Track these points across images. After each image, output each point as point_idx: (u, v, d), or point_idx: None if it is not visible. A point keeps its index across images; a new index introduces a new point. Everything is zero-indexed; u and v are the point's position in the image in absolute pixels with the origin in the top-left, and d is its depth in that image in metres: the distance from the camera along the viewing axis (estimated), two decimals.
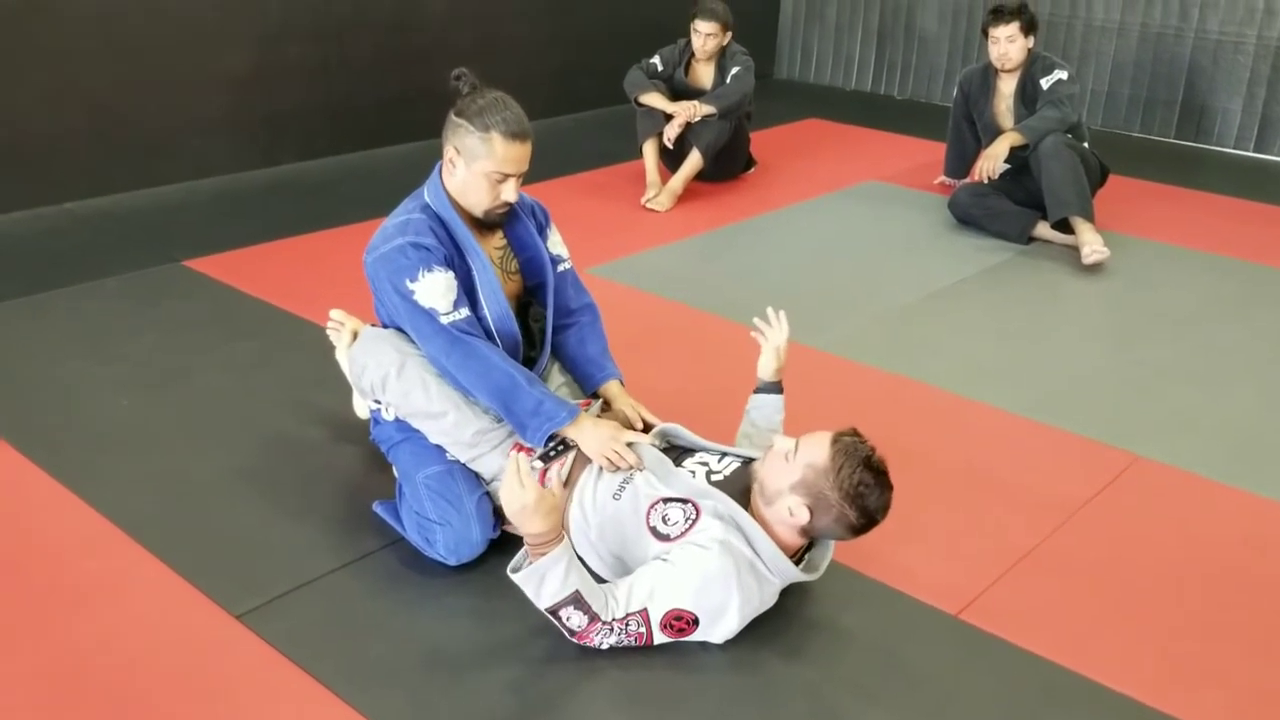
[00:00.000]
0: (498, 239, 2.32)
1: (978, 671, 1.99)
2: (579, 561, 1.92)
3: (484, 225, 2.25)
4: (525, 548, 1.88)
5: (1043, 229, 4.23)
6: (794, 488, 1.94)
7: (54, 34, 4.10)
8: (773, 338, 2.40)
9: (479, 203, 2.19)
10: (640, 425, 2.30)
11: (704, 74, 4.70)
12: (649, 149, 4.65)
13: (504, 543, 2.22)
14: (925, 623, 2.11)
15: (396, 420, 2.27)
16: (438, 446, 2.22)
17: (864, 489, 1.91)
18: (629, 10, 6.12)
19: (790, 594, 2.18)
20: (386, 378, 2.19)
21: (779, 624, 2.10)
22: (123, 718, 1.80)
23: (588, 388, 2.42)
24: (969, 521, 2.45)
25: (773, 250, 4.16)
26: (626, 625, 1.91)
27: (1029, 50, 4.26)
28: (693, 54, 4.69)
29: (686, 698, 1.89)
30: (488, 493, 2.21)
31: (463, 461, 2.21)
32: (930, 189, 4.89)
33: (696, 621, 1.92)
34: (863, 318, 3.55)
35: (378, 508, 2.30)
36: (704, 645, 2.01)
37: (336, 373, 2.75)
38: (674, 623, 1.92)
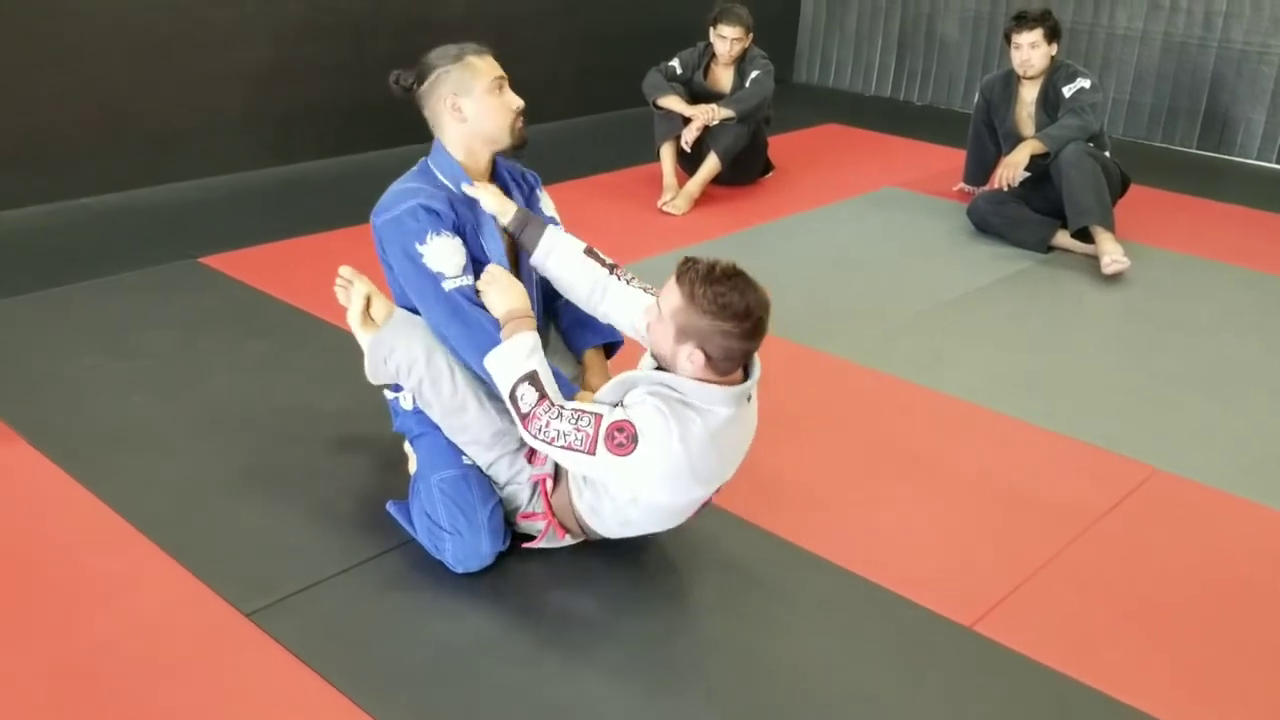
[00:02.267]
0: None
1: (991, 684, 1.97)
2: (544, 358, 2.07)
3: (513, 147, 2.28)
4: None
5: (1062, 238, 4.20)
6: (676, 339, 1.95)
7: (72, 31, 4.11)
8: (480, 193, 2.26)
9: (500, 123, 2.24)
10: None
11: (723, 77, 4.69)
12: (666, 152, 4.64)
13: (512, 547, 2.21)
14: (938, 634, 2.09)
15: (415, 411, 2.26)
16: (455, 448, 2.21)
17: (722, 299, 1.90)
18: (646, 13, 6.11)
19: (801, 601, 2.16)
20: (415, 362, 2.18)
21: (789, 628, 2.09)
22: (131, 714, 1.80)
23: (576, 350, 2.44)
24: (984, 532, 2.42)
25: (789, 255, 4.14)
26: (579, 419, 1.96)
27: (1052, 58, 4.23)
28: (712, 57, 4.68)
29: (696, 704, 1.88)
30: (500, 501, 2.19)
31: (480, 465, 2.20)
32: (949, 196, 4.86)
33: (636, 440, 1.92)
34: (879, 324, 3.52)
35: (391, 508, 2.29)
36: (714, 651, 1.99)
37: (350, 372, 2.74)
38: (615, 434, 1.93)
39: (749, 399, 2.05)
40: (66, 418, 2.69)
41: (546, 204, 2.47)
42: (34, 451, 2.53)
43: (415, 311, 2.25)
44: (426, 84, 2.25)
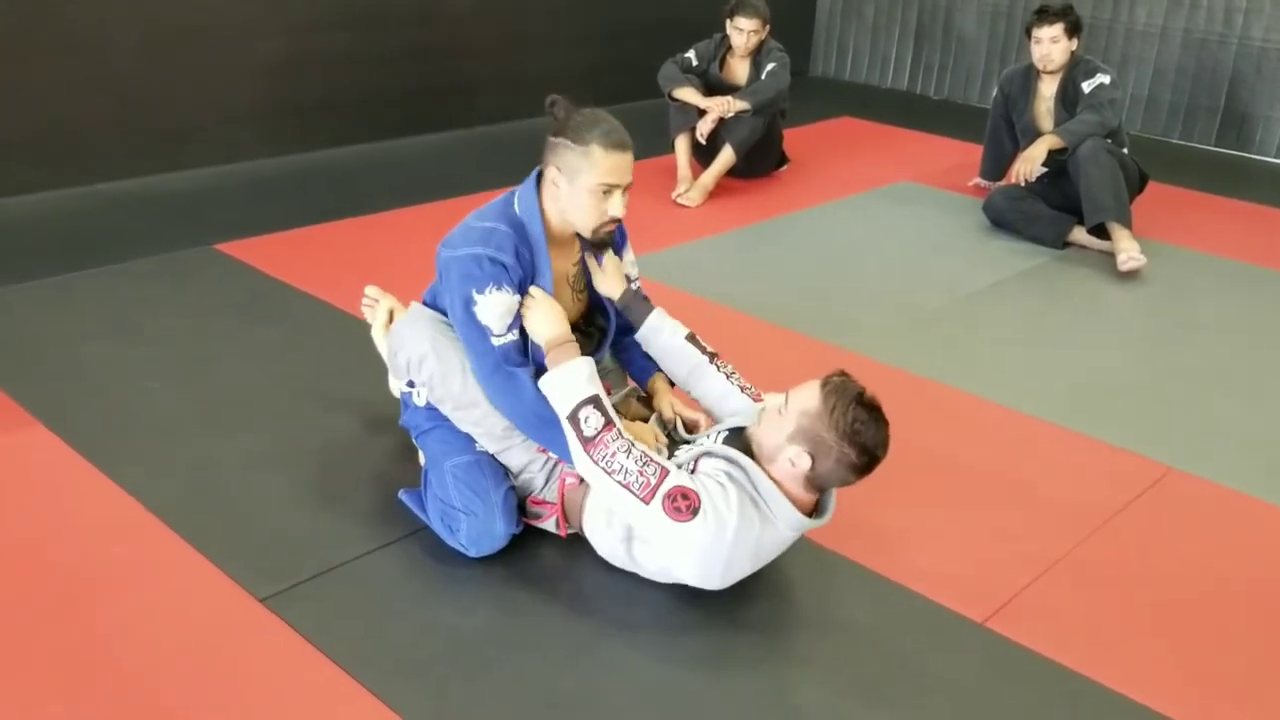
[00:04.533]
0: (574, 256, 2.31)
1: (1002, 680, 1.97)
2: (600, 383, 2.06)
3: (592, 243, 2.23)
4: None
5: (1079, 234, 4.18)
6: (791, 438, 1.95)
7: (90, 20, 4.12)
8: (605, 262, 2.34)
9: (586, 222, 2.16)
10: (680, 423, 2.32)
11: (739, 70, 4.68)
12: (681, 144, 4.63)
13: (526, 537, 2.22)
14: (950, 629, 2.08)
15: (427, 406, 2.26)
16: (467, 436, 2.21)
17: (859, 425, 1.91)
18: (662, 5, 6.09)
19: (813, 596, 2.17)
20: (425, 357, 2.18)
21: (801, 625, 2.09)
22: (145, 698, 1.81)
23: (639, 377, 2.44)
24: (997, 528, 2.42)
25: (803, 249, 4.13)
26: (645, 465, 1.94)
27: (1072, 53, 4.20)
28: (728, 49, 4.67)
29: (706, 696, 1.88)
30: (513, 486, 2.20)
31: (491, 453, 2.20)
32: (965, 191, 4.84)
33: (696, 512, 1.92)
34: (893, 319, 3.51)
35: (403, 496, 2.30)
36: (725, 645, 2.00)
37: (364, 359, 2.75)
38: (679, 498, 1.93)
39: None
40: (82, 403, 2.71)
41: (629, 259, 2.42)
42: (50, 435, 2.54)
43: (440, 311, 2.25)
44: (552, 137, 2.16)
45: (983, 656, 2.02)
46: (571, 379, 2.03)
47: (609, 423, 1.98)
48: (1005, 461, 2.70)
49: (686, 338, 2.31)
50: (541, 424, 2.09)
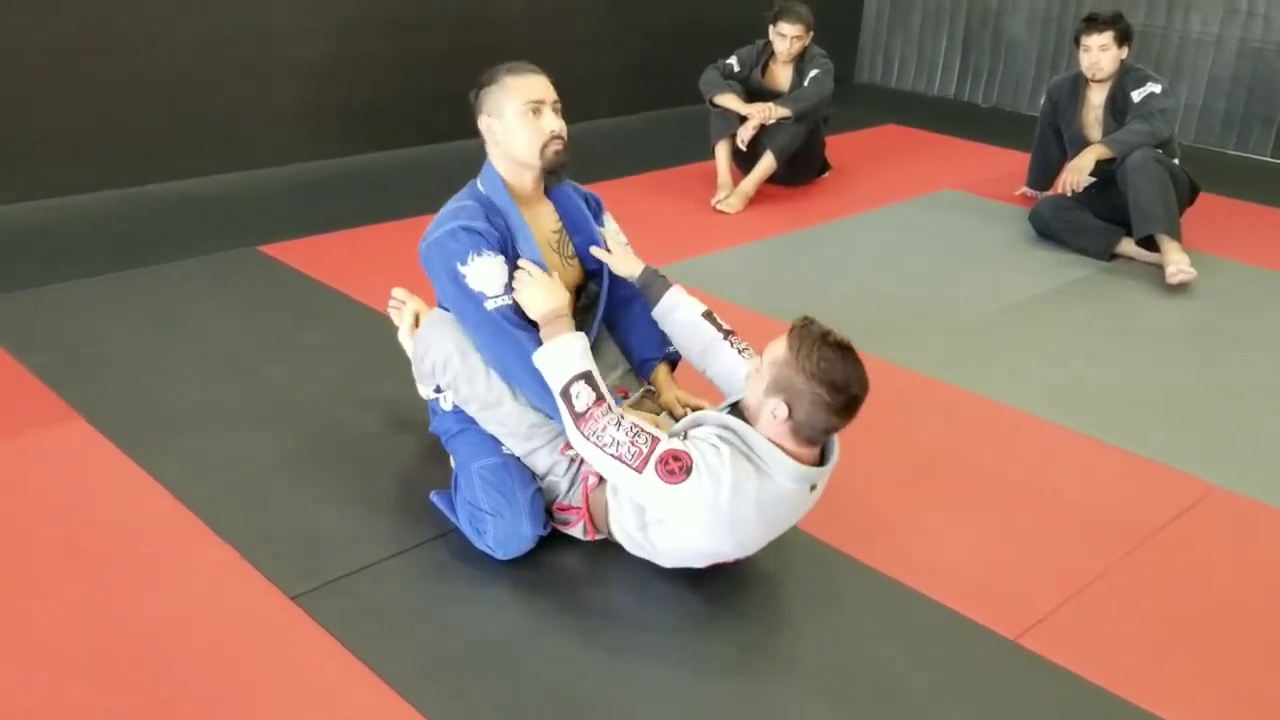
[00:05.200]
0: (553, 222, 2.34)
1: (1034, 699, 1.93)
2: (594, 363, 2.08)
3: (548, 170, 2.25)
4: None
5: (1127, 246, 4.11)
6: (768, 390, 1.95)
7: (136, 23, 4.20)
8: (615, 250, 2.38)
9: (529, 145, 2.21)
10: (690, 413, 2.32)
11: (781, 76, 4.66)
12: (721, 150, 4.62)
13: (553, 540, 2.22)
14: (982, 645, 2.05)
15: (455, 410, 2.28)
16: (495, 439, 2.23)
17: (826, 364, 1.90)
18: (699, 9, 6.09)
19: (845, 606, 2.14)
20: (450, 359, 2.20)
21: (828, 634, 2.06)
22: (175, 693, 1.83)
23: (642, 373, 2.44)
24: (1034, 544, 2.38)
25: (845, 257, 4.09)
26: (636, 436, 1.95)
27: (1122, 61, 4.13)
28: (770, 55, 4.65)
29: (727, 706, 1.87)
30: (540, 489, 2.20)
31: (518, 455, 2.21)
32: (1011, 200, 4.78)
33: (689, 472, 1.91)
34: (935, 329, 3.47)
35: (434, 498, 2.32)
36: (747, 652, 1.98)
37: (401, 361, 2.77)
38: (670, 460, 1.92)
39: (813, 488, 2.04)
40: (126, 399, 2.75)
41: (613, 228, 2.46)
42: (93, 430, 2.59)
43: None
44: (476, 103, 2.28)
45: (1013, 673, 1.99)
46: (564, 354, 2.05)
47: (599, 398, 2.00)
48: (1045, 475, 2.65)
49: (703, 315, 2.31)
50: (547, 389, 2.11)
